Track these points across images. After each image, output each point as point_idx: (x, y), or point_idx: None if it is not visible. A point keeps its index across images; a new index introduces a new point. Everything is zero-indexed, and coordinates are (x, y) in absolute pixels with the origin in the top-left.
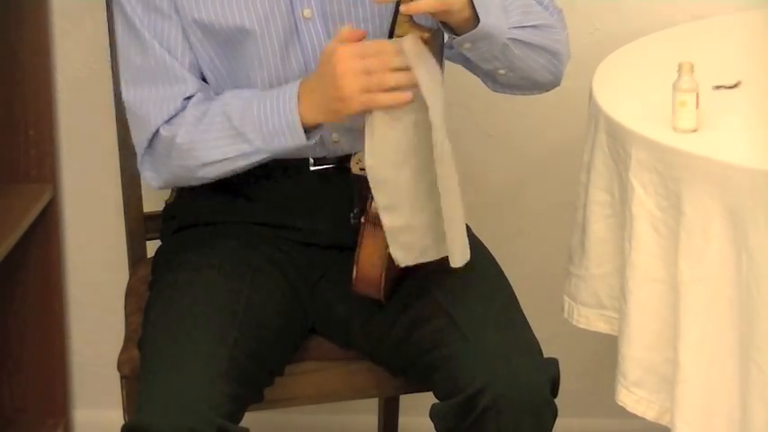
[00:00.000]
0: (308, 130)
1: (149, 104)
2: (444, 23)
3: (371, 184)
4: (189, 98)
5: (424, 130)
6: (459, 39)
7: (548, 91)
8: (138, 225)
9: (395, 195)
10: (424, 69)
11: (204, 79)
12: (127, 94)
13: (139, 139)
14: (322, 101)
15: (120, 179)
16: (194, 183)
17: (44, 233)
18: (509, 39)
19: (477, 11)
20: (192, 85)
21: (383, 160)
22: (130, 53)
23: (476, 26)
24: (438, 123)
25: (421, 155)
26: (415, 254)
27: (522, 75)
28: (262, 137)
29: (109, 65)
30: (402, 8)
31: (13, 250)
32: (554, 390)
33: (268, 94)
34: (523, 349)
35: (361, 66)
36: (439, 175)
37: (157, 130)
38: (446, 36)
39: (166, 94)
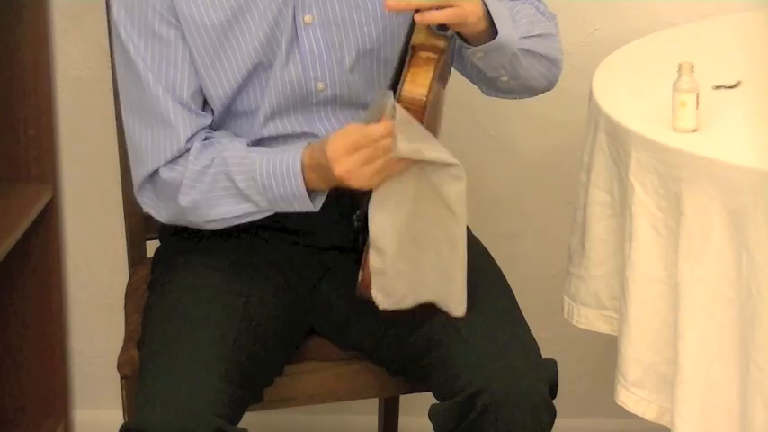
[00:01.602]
0: (313, 192)
1: (147, 143)
2: (458, 33)
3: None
4: (191, 137)
5: (425, 182)
6: (473, 49)
7: (539, 95)
8: (138, 225)
9: (381, 236)
10: (407, 141)
11: (206, 101)
12: (126, 120)
13: (137, 172)
14: (333, 183)
15: (120, 179)
16: (190, 224)
17: (44, 233)
18: (518, 49)
19: (496, 23)
20: (189, 122)
21: (376, 202)
22: (126, 81)
23: (492, 37)
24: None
25: (417, 206)
26: (392, 300)
27: (523, 82)
28: (268, 201)
29: (109, 65)
30: (417, 17)
31: (13, 250)
32: (552, 391)
33: (269, 160)
34: (522, 350)
35: (359, 160)
36: (446, 224)
37: (157, 170)
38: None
39: (163, 137)
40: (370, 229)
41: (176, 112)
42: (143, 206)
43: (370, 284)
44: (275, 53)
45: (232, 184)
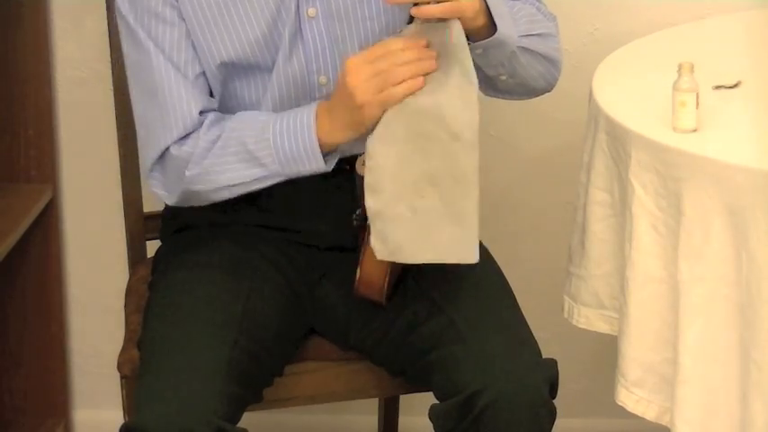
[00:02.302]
0: (326, 154)
1: (157, 122)
2: None
3: (365, 159)
4: (201, 113)
5: (431, 116)
6: (472, 45)
7: (538, 96)
8: (138, 225)
9: (378, 175)
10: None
11: (211, 90)
12: (135, 104)
13: (146, 154)
14: (342, 117)
15: (120, 179)
16: (207, 203)
17: (44, 233)
18: (518, 47)
19: (495, 20)
20: (199, 100)
21: (376, 137)
22: (135, 65)
23: (491, 33)
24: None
25: (418, 143)
26: (389, 248)
27: (521, 81)
28: (278, 162)
29: (109, 65)
30: (412, 11)
31: (13, 250)
32: (552, 390)
33: (284, 118)
34: (522, 350)
35: (371, 71)
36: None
37: (168, 149)
38: None
39: (174, 113)
40: (366, 164)
41: (187, 87)
42: (152, 188)
43: (368, 284)
44: (278, 46)
45: (243, 147)
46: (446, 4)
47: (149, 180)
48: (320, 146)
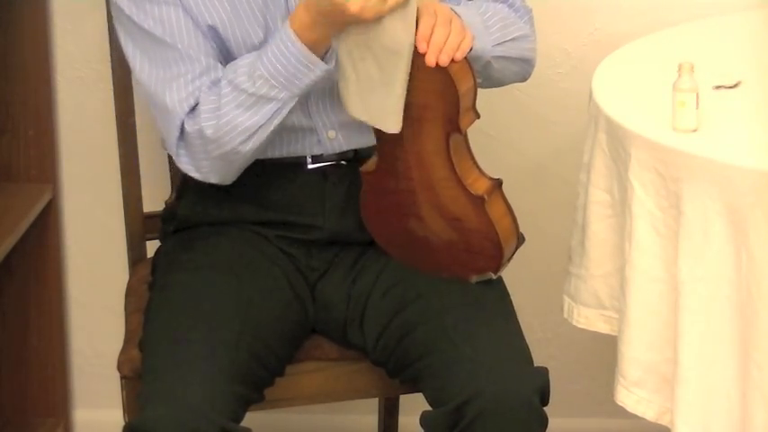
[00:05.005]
0: (321, 55)
1: (168, 96)
2: None
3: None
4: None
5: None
6: None
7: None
8: (138, 225)
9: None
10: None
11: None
12: (148, 90)
13: (168, 133)
14: (328, 23)
15: (119, 179)
16: (238, 166)
17: (44, 233)
18: (492, 57)
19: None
20: (213, 71)
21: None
22: (145, 52)
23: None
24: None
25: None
26: (346, 104)
27: (495, 83)
28: (283, 87)
29: (109, 65)
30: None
31: (13, 250)
32: (543, 399)
33: (266, 50)
34: (513, 359)
35: None
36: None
37: (182, 125)
38: None
39: (186, 85)
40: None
41: (199, 54)
42: (187, 172)
43: (367, 209)
44: (272, 30)
45: (244, 94)
46: (465, 42)
47: (180, 164)
48: (312, 49)
